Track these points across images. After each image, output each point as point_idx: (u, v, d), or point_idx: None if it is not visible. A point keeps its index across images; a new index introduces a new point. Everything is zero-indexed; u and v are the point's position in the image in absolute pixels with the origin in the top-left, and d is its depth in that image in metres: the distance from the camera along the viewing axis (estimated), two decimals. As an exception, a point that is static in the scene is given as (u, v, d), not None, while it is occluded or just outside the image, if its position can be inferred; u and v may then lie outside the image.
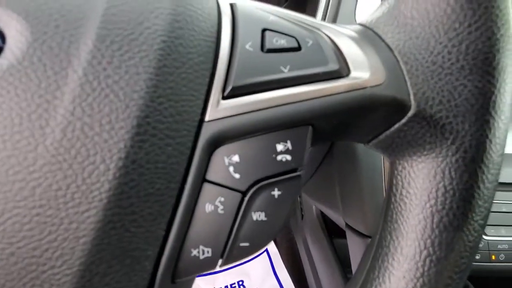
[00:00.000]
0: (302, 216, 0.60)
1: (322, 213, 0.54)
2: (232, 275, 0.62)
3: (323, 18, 0.40)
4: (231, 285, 0.62)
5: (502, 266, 0.33)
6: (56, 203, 0.10)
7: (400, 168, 0.15)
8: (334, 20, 0.40)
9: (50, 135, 0.10)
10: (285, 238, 0.69)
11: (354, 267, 0.39)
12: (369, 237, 0.33)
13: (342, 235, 0.40)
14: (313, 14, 0.43)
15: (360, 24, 0.15)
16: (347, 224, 0.37)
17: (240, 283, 0.62)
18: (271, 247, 0.65)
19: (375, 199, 0.31)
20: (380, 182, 0.31)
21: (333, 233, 0.54)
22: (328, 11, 0.40)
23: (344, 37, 0.14)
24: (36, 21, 0.11)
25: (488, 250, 0.33)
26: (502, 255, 0.33)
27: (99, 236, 0.11)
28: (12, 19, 0.11)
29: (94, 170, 0.11)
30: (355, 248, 0.37)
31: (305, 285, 0.60)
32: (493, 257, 0.33)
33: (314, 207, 0.56)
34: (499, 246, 0.33)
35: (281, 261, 0.64)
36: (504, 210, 0.34)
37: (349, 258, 0.40)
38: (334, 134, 0.15)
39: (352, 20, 0.37)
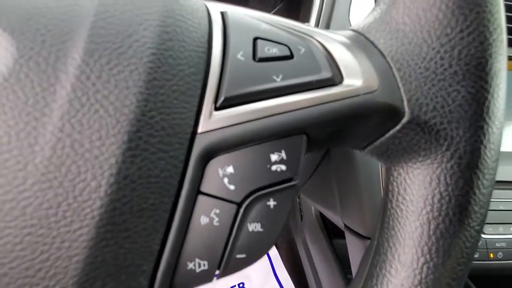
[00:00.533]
0: (302, 217, 0.60)
1: (321, 214, 0.54)
2: (232, 277, 0.62)
3: (317, 20, 0.40)
4: (231, 287, 0.61)
5: (501, 264, 0.33)
6: (47, 222, 0.10)
7: (395, 174, 0.15)
8: (328, 22, 0.40)
9: (40, 153, 0.10)
10: (285, 239, 0.69)
11: (353, 269, 0.39)
12: (368, 238, 0.33)
13: (342, 235, 0.40)
14: (307, 16, 0.43)
15: (352, 30, 0.15)
16: (346, 226, 0.37)
17: (241, 285, 0.62)
18: (271, 248, 0.65)
19: (373, 200, 0.31)
20: (378, 183, 0.31)
21: (332, 233, 0.54)
22: (322, 13, 0.40)
23: (336, 44, 0.14)
24: (22, 36, 0.11)
25: (486, 249, 0.33)
26: (500, 253, 0.33)
27: (92, 254, 0.11)
28: None
29: (85, 187, 0.10)
30: (354, 249, 0.37)
31: (306, 286, 0.60)
32: (491, 255, 0.33)
33: (313, 208, 0.56)
34: (497, 244, 0.33)
35: (282, 262, 0.64)
36: (501, 208, 0.34)
37: (349, 259, 0.40)
38: (328, 142, 0.15)
39: (347, 22, 0.37)
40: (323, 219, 0.55)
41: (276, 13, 0.55)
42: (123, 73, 0.11)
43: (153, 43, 0.12)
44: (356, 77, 0.13)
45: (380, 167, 0.31)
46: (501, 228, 0.34)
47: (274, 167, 0.13)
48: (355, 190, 0.33)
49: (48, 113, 0.10)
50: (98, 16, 0.11)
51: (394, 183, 0.15)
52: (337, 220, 0.40)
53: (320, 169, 0.39)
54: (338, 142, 0.15)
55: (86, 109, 0.11)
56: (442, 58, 0.13)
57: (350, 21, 0.37)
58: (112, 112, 0.11)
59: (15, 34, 0.11)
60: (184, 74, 0.12)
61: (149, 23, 0.12)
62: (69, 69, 0.11)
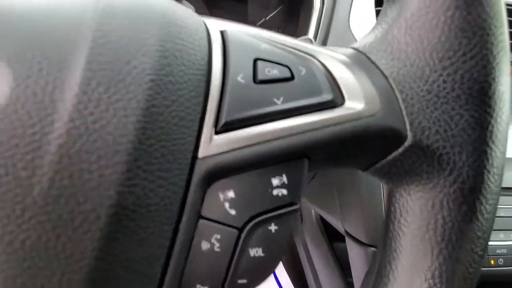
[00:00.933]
0: (302, 219, 0.60)
1: (321, 217, 0.54)
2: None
3: (318, 24, 0.39)
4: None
5: (501, 270, 0.33)
6: (47, 254, 0.10)
7: (397, 196, 0.15)
8: (328, 26, 0.39)
9: (37, 186, 0.10)
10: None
11: (354, 274, 0.39)
12: (369, 245, 0.33)
13: (342, 239, 0.40)
14: (306, 18, 0.42)
15: (353, 48, 0.15)
16: (346, 232, 0.37)
17: (241, 288, 0.62)
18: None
19: (373, 208, 0.31)
20: (378, 190, 0.31)
21: (333, 237, 0.54)
22: (323, 16, 0.40)
23: (337, 63, 0.14)
24: (18, 65, 0.11)
25: (487, 255, 0.33)
26: (501, 259, 0.33)
27: (93, 286, 0.10)
28: None
29: (85, 219, 0.10)
30: (354, 255, 0.37)
31: (306, 289, 0.61)
32: (492, 262, 0.33)
33: (313, 211, 0.56)
34: (497, 251, 0.33)
35: (282, 265, 0.64)
36: (502, 214, 0.34)
37: (349, 262, 0.40)
38: (329, 163, 0.15)
39: (346, 25, 0.37)
40: (323, 222, 0.55)
41: (276, 15, 0.54)
42: (122, 102, 0.11)
43: (151, 69, 0.11)
44: (358, 99, 0.13)
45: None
46: (501, 235, 0.34)
47: (275, 192, 0.13)
48: (356, 197, 0.33)
49: (46, 144, 0.10)
50: (96, 42, 0.11)
51: (396, 205, 0.15)
52: (338, 224, 0.40)
53: (320, 173, 0.39)
54: (339, 163, 0.15)
55: (84, 139, 0.10)
56: (444, 82, 0.13)
57: (350, 25, 0.37)
58: (110, 142, 0.11)
59: (11, 62, 0.11)
60: (184, 99, 0.12)
61: (147, 49, 0.12)
62: (67, 98, 0.11)
